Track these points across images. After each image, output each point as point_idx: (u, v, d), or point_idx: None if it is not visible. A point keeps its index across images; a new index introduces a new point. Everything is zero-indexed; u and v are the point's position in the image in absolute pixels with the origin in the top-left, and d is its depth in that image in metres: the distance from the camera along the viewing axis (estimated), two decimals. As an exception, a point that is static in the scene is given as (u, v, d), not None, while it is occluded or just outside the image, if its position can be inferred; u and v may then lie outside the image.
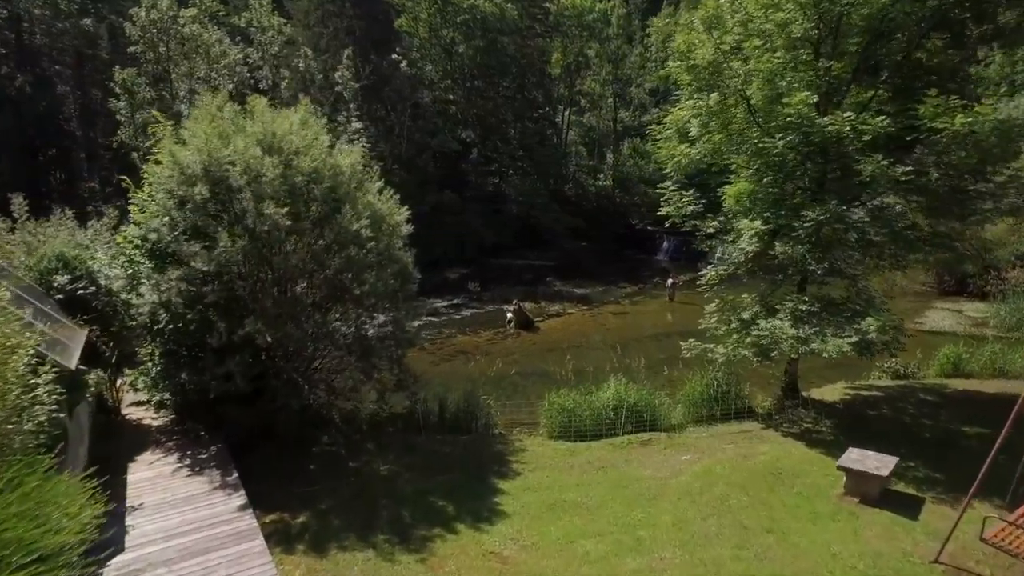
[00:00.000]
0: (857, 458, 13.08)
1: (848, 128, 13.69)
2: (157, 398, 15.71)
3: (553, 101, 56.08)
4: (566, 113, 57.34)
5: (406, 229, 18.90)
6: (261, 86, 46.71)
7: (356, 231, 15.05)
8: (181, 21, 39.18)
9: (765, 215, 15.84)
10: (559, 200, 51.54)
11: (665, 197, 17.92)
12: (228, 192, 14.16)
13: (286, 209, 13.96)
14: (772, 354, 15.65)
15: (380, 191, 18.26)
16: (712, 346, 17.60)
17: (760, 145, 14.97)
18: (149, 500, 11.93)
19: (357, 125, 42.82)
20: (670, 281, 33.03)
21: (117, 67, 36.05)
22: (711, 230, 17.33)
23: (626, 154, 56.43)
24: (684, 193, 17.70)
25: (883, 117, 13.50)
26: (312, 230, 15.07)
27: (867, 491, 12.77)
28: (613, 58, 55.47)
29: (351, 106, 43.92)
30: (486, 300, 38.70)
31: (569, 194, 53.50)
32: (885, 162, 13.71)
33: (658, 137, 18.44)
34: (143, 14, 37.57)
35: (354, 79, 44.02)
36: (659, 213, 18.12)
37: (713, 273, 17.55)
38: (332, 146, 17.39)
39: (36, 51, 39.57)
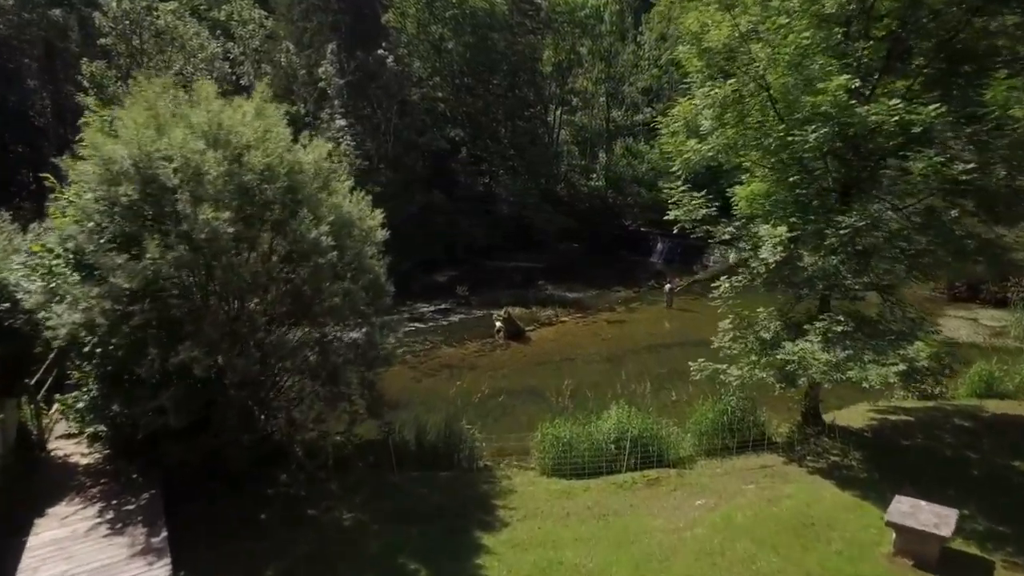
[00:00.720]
0: (908, 511, 10.70)
1: (895, 119, 11.29)
2: (90, 430, 13.20)
3: (545, 99, 53.49)
4: (558, 112, 54.80)
5: (381, 235, 16.46)
6: (243, 82, 44.01)
7: (315, 239, 12.51)
8: (156, 12, 36.44)
9: (790, 220, 13.43)
10: (551, 200, 49.00)
11: (673, 199, 15.47)
12: (162, 192, 11.63)
13: (228, 214, 11.44)
14: (799, 382, 13.26)
15: (350, 192, 15.80)
16: (725, 367, 15.22)
17: (788, 139, 12.53)
18: (46, 576, 9.40)
19: (341, 123, 40.30)
20: (668, 286, 30.62)
21: (85, 60, 33.26)
22: (726, 236, 14.87)
23: (619, 154, 53.95)
24: (695, 195, 15.26)
25: (937, 105, 11.10)
26: (265, 237, 12.55)
27: (923, 553, 10.41)
28: (606, 56, 52.97)
29: (335, 103, 41.33)
30: (475, 305, 36.22)
31: (561, 194, 50.95)
32: (939, 159, 11.34)
33: (663, 131, 15.99)
34: (114, 4, 34.83)
35: (338, 75, 41.38)
36: (667, 217, 15.66)
37: (727, 286, 15.09)
38: (296, 140, 14.96)
39: (2, 42, 36.73)
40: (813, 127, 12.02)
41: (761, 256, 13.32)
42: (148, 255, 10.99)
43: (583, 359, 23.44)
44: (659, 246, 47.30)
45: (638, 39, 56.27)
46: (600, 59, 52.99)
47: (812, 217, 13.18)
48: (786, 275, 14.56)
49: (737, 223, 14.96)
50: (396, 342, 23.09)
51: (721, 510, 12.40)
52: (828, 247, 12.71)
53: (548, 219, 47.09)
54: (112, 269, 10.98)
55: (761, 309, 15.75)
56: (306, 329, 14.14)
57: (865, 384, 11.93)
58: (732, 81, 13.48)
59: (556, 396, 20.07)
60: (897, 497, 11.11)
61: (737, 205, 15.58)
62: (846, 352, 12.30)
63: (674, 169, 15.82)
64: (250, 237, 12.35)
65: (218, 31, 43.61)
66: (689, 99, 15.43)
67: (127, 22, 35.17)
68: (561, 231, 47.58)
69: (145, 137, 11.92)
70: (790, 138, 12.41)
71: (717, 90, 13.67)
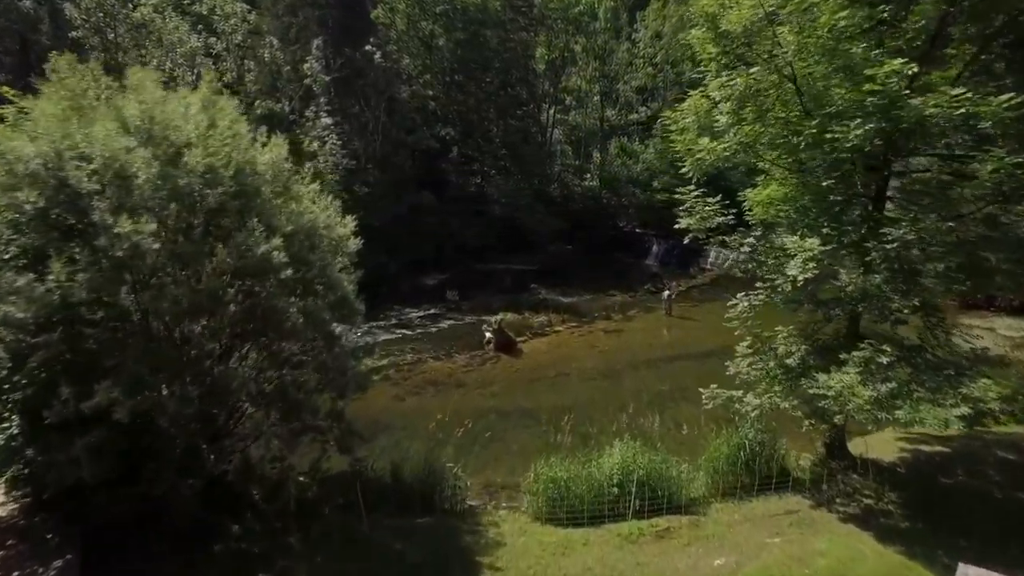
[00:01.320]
0: (979, 586, 8.62)
1: (959, 111, 9.17)
2: (8, 475, 11.02)
3: (538, 98, 51.19)
4: (551, 111, 52.51)
5: (353, 244, 14.35)
6: (226, 78, 41.63)
7: (264, 254, 10.31)
8: (132, 5, 34.05)
9: (822, 231, 11.31)
10: (544, 201, 46.73)
11: (685, 206, 13.32)
12: (75, 199, 9.42)
13: (152, 225, 9.25)
14: (835, 419, 11.16)
15: (317, 196, 13.65)
16: (740, 394, 13.14)
17: (825, 135, 10.39)
18: None
19: (327, 121, 38.00)
20: (666, 293, 28.48)
21: (54, 53, 30.82)
22: (747, 248, 12.71)
23: (613, 154, 51.71)
24: (709, 200, 13.11)
25: (1011, 96, 8.99)
26: (214, 250, 10.35)
27: (1001, 642, 8.33)
28: (600, 54, 50.72)
29: (321, 100, 39.00)
30: (465, 310, 34.05)
31: (554, 195, 48.66)
32: (1012, 160, 9.25)
33: (671, 128, 13.84)
34: (86, -5, 32.48)
35: (325, 71, 39.05)
36: (678, 225, 13.49)
37: (745, 305, 12.92)
38: (270, 138, 12.91)
39: (-30, 35, 34.33)
40: (856, 122, 9.87)
41: (788, 273, 11.17)
42: (52, 276, 8.80)
43: (579, 374, 21.29)
44: (655, 248, 45.20)
45: (632, 37, 54.04)
46: (594, 57, 50.75)
47: (849, 228, 11.06)
48: (814, 293, 12.48)
49: (756, 233, 12.81)
50: (373, 363, 21.06)
51: (744, 573, 10.30)
52: (870, 263, 10.60)
53: (541, 220, 44.86)
54: (7, 293, 8.77)
55: (780, 329, 13.62)
56: (262, 354, 12.00)
57: (917, 425, 9.86)
58: (756, 69, 11.32)
59: (549, 418, 17.98)
60: (962, 567, 9.02)
61: (751, 211, 13.46)
62: (888, 386, 10.21)
63: (684, 171, 13.67)
64: (190, 252, 10.15)
65: (200, 26, 41.16)
66: (701, 91, 13.29)
67: (101, 14, 32.77)
68: (554, 232, 45.36)
69: (59, 132, 9.73)
70: (828, 134, 10.26)
71: (739, 79, 11.52)
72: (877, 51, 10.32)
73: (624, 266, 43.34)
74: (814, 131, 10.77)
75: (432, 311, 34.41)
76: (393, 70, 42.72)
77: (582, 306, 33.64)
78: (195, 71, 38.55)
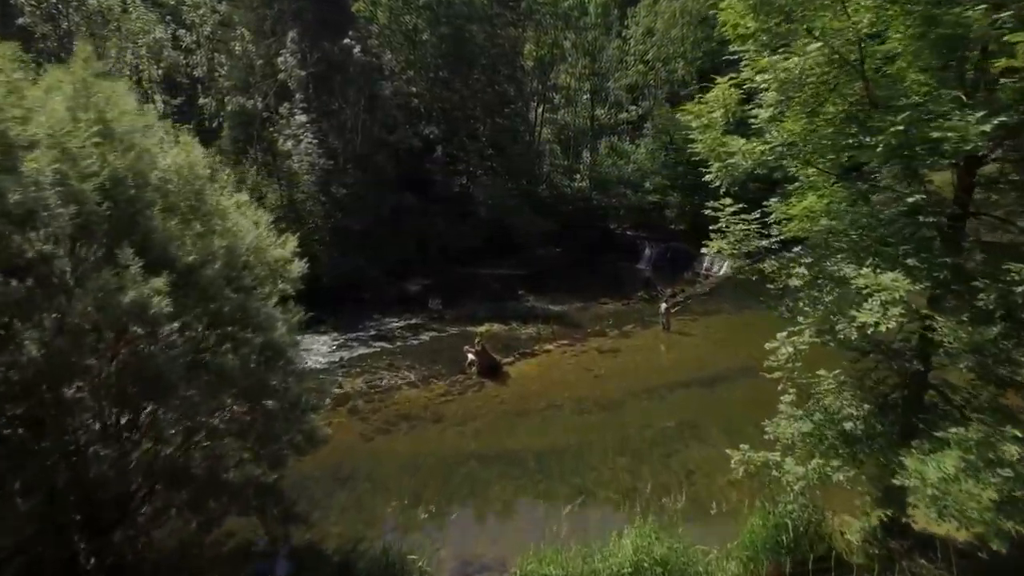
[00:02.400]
0: None
1: None
2: None
3: (526, 96, 47.83)
4: (539, 109, 49.16)
5: (297, 267, 11.07)
6: (196, 72, 38.08)
7: (136, 301, 7.02)
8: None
9: (908, 262, 8.12)
10: (532, 203, 43.44)
11: (720, 224, 10.11)
12: None
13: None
14: (932, 515, 8.02)
15: (240, 205, 10.36)
16: (778, 457, 10.02)
17: (931, 135, 7.21)
18: None
19: (302, 118, 34.48)
20: (663, 306, 25.31)
21: (-2, 42, 27.27)
22: (799, 281, 9.46)
23: (604, 153, 48.43)
24: (747, 218, 9.92)
25: None
26: (55, 294, 7.06)
27: None
28: (590, 50, 47.42)
29: (297, 96, 35.47)
30: (448, 320, 30.89)
31: (543, 196, 45.36)
32: None
33: (695, 125, 10.60)
34: (35, -21, 28.81)
35: (300, 66, 35.51)
36: (706, 250, 10.28)
37: (790, 351, 9.70)
38: (175, 137, 9.61)
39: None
40: (982, 114, 6.71)
41: (860, 319, 7.98)
42: None
43: (572, 406, 18.08)
44: (647, 251, 42.08)
45: (623, 34, 50.76)
46: (584, 54, 47.47)
47: (948, 260, 7.90)
48: (883, 341, 9.34)
49: (806, 260, 9.60)
50: (341, 389, 17.83)
51: None
52: (983, 309, 7.47)
53: (529, 222, 41.60)
54: None
55: (823, 374, 10.47)
56: (156, 419, 8.71)
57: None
58: (816, 46, 8.09)
59: (539, 465, 14.85)
60: None
61: (783, 226, 10.32)
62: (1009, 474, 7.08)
63: (710, 179, 10.48)
64: (22, 298, 6.85)
65: (168, 16, 37.49)
66: (731, 78, 10.10)
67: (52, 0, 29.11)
68: (543, 235, 42.14)
69: None
70: (936, 134, 7.08)
71: (794, 58, 8.30)
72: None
73: (616, 271, 40.21)
74: (900, 128, 7.59)
75: (414, 320, 31.20)
76: (374, 65, 39.24)
77: (573, 316, 30.50)
78: (162, 64, 35.00)
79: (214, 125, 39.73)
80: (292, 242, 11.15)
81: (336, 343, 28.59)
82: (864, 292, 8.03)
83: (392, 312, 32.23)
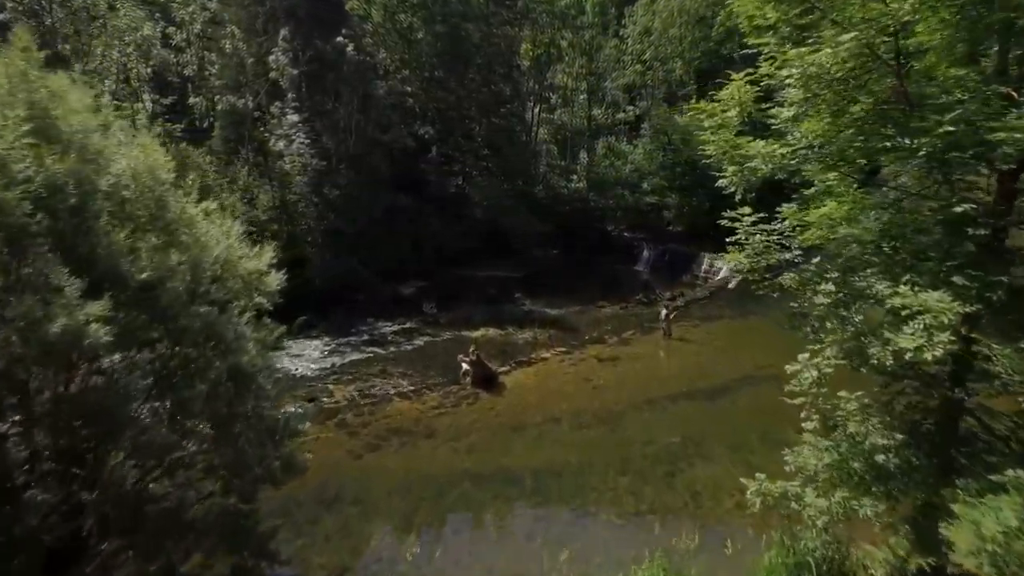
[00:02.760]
0: None
1: None
2: None
3: (522, 95, 46.71)
4: (536, 109, 48.04)
5: (275, 279, 10.06)
6: (186, 71, 36.94)
7: (69, 330, 5.99)
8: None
9: (954, 280, 7.14)
10: (528, 204, 42.33)
11: (736, 236, 9.11)
12: None
13: None
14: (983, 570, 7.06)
15: (210, 213, 9.34)
16: (798, 488, 9.05)
17: (1008, 133, 6.21)
18: None
19: (294, 118, 33.40)
20: (664, 312, 24.29)
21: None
22: (825, 300, 8.42)
23: (601, 154, 47.35)
24: (768, 228, 8.93)
25: None
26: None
27: None
28: (587, 50, 46.34)
29: (289, 95, 34.35)
30: (443, 324, 29.93)
31: (540, 197, 44.24)
32: None
33: (706, 124, 9.60)
34: (16, -26, 27.65)
35: (293, 65, 34.38)
36: (723, 263, 9.26)
37: (814, 375, 8.69)
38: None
39: None
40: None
41: (901, 344, 7.00)
42: None
43: (571, 419, 17.08)
44: (645, 253, 41.06)
45: (621, 33, 49.72)
46: (581, 53, 46.38)
47: (1004, 278, 6.92)
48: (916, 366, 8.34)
49: (834, 276, 8.59)
50: (330, 400, 16.82)
51: None
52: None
53: (526, 224, 40.54)
54: None
55: (844, 395, 9.47)
56: (105, 463, 7.70)
57: None
58: (850, 36, 7.09)
59: (536, 485, 13.88)
60: None
61: (798, 234, 9.33)
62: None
63: (724, 184, 9.50)
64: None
65: (157, 14, 36.34)
66: (747, 74, 9.10)
67: (34, -5, 27.96)
68: (540, 236, 41.08)
69: None
70: (998, 135, 6.11)
71: (825, 50, 7.29)
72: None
73: (613, 273, 39.17)
74: (948, 129, 6.60)
75: (408, 324, 30.23)
76: (368, 64, 38.12)
77: (571, 320, 29.53)
78: (151, 63, 33.84)
79: (205, 125, 38.65)
80: (268, 253, 10.12)
81: (328, 348, 27.58)
82: (903, 314, 7.08)
83: (386, 315, 31.28)
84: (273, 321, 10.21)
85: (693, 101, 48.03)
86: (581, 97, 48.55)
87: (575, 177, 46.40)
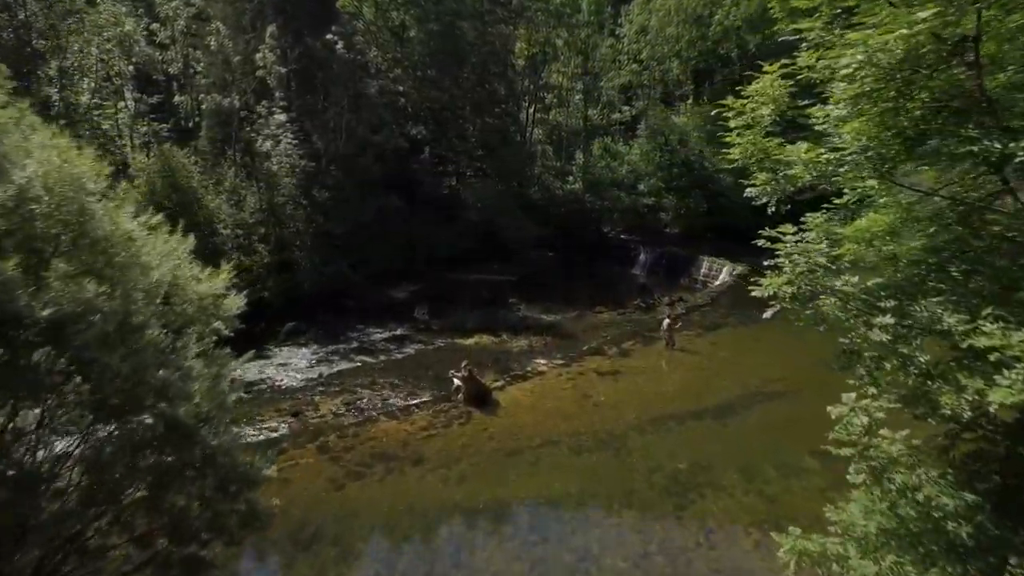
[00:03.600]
0: None
1: None
2: None
3: (517, 95, 45.13)
4: (531, 109, 46.44)
5: (234, 303, 8.53)
6: (171, 69, 35.21)
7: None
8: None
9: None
10: (523, 205, 40.80)
11: (777, 261, 7.54)
12: None
13: None
14: None
15: (154, 228, 7.79)
16: (840, 547, 7.58)
17: None
18: None
19: (281, 117, 31.75)
20: (666, 322, 22.76)
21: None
22: (884, 336, 6.86)
23: (597, 155, 45.80)
24: (812, 245, 7.39)
25: None
26: None
27: None
28: (583, 48, 44.79)
29: (276, 94, 32.71)
30: (436, 331, 28.49)
31: (535, 198, 42.66)
32: None
33: (732, 124, 8.07)
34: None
35: (281, 63, 32.75)
36: (759, 291, 7.57)
37: (864, 423, 7.19)
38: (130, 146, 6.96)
39: None
40: None
41: (987, 395, 5.52)
42: None
43: (570, 442, 15.52)
44: (642, 256, 39.62)
45: (617, 32, 48.18)
46: (577, 52, 44.84)
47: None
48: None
49: (890, 304, 7.07)
50: (290, 450, 15.19)
51: None
52: None
53: (520, 226, 39.01)
54: None
55: (887, 436, 7.93)
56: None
57: None
58: (933, 11, 5.56)
59: (533, 522, 12.38)
60: None
61: (828, 244, 7.82)
62: None
63: (752, 193, 8.01)
64: None
65: (140, 9, 34.60)
66: (782, 67, 7.61)
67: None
68: (535, 239, 39.56)
69: None
70: None
71: (902, 30, 5.75)
72: None
73: (610, 276, 37.75)
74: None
75: (399, 331, 28.77)
76: (359, 62, 36.52)
77: (567, 326, 28.11)
78: (133, 59, 32.09)
79: (191, 124, 36.97)
80: (225, 273, 8.57)
81: (316, 357, 26.08)
82: (992, 358, 5.62)
83: (376, 321, 29.82)
84: (269, 325, 8.66)
85: (690, 101, 47.11)
86: (576, 97, 47.04)
87: (571, 178, 44.89)
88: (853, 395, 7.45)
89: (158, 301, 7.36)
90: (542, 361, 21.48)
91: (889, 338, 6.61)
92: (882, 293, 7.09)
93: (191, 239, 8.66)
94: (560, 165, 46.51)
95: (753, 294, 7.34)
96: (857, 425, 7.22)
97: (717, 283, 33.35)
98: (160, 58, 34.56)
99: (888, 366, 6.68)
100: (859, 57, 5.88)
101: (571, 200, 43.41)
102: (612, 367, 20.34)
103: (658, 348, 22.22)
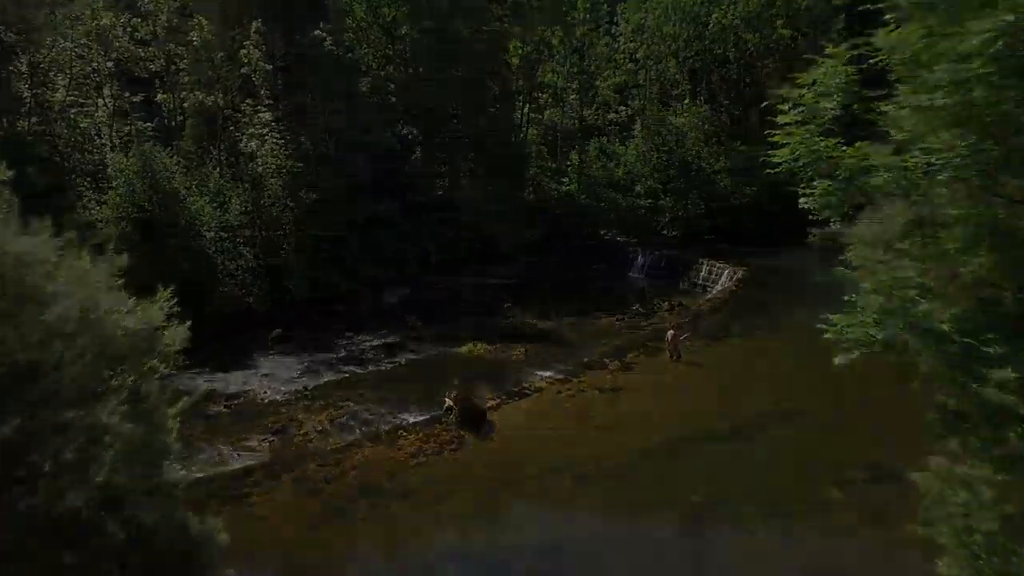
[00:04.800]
0: None
1: None
2: None
3: (512, 95, 43.34)
4: (525, 109, 44.64)
5: (177, 335, 6.80)
6: (153, 66, 33.26)
7: None
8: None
9: None
10: (518, 207, 39.09)
11: (857, 305, 5.78)
12: None
13: None
14: None
15: (63, 247, 5.99)
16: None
17: None
18: None
19: (267, 116, 29.88)
20: (670, 333, 20.99)
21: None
22: (1008, 398, 5.20)
23: (592, 155, 44.04)
24: (902, 275, 5.70)
25: None
26: None
27: None
28: (578, 48, 43.05)
29: (262, 93, 30.83)
30: (427, 339, 26.84)
31: (529, 200, 40.95)
32: None
33: (780, 120, 6.39)
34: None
35: (267, 60, 30.84)
36: (829, 333, 5.86)
37: (966, 497, 5.55)
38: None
39: None
40: None
41: None
42: None
43: (572, 472, 13.73)
44: (639, 259, 37.98)
45: (612, 31, 46.51)
46: (572, 51, 43.10)
47: None
48: None
49: (1000, 352, 5.40)
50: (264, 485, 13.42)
51: None
52: None
53: (514, 228, 37.28)
54: None
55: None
56: None
57: None
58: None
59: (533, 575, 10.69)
60: None
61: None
62: None
63: (807, 204, 6.35)
64: None
65: (121, 2, 32.63)
66: (849, 48, 5.95)
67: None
68: (529, 241, 37.83)
69: None
70: None
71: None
72: None
73: (607, 280, 36.07)
74: None
75: (389, 339, 27.06)
76: (349, 60, 34.68)
77: (564, 333, 26.51)
78: (113, 56, 30.11)
79: (174, 124, 35.04)
80: (161, 301, 6.81)
81: (302, 366, 24.36)
82: None
83: (366, 328, 28.14)
84: (254, 332, 6.89)
85: (687, 101, 45.44)
86: (572, 97, 45.29)
87: (566, 179, 43.14)
88: (942, 459, 5.83)
89: (61, 345, 5.62)
90: (540, 375, 19.82)
91: (1014, 399, 4.91)
92: (990, 336, 5.40)
93: (124, 257, 6.89)
94: (555, 166, 44.75)
95: (826, 335, 5.64)
96: (954, 498, 5.58)
97: (718, 287, 31.77)
98: (142, 54, 32.54)
99: (1012, 435, 4.98)
100: (984, 35, 4.16)
101: (566, 202, 41.70)
102: (614, 383, 18.65)
103: (662, 360, 20.55)
